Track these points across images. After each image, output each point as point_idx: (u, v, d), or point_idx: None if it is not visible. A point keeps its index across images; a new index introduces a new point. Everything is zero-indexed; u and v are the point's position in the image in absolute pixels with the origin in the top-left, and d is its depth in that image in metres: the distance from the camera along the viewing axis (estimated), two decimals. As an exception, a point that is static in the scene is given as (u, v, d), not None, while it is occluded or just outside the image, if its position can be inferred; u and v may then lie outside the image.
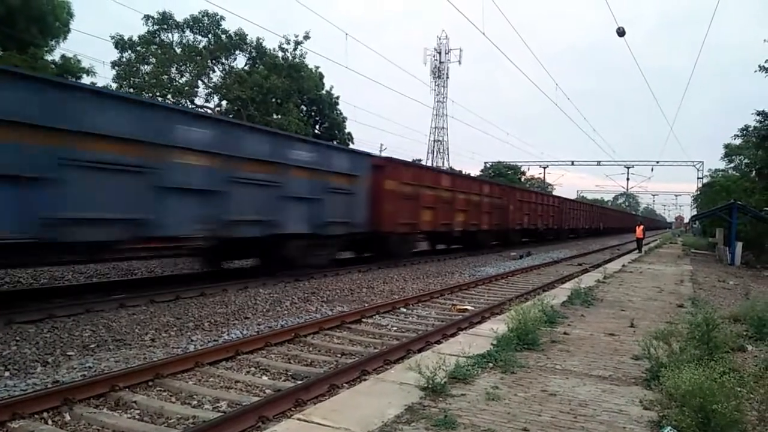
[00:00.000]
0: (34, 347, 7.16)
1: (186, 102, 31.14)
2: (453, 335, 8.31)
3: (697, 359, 5.14)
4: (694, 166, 63.80)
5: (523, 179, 70.74)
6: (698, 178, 60.71)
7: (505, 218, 29.42)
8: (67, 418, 5.08)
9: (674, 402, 4.19)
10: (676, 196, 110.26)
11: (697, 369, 4.19)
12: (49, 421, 4.99)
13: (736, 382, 4.10)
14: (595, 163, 68.54)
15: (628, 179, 72.61)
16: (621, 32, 19.37)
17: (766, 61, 23.96)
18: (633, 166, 69.36)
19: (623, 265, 19.76)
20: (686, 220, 79.16)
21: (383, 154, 32.18)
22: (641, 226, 32.10)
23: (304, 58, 34.24)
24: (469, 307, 11.38)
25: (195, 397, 5.78)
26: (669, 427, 4.05)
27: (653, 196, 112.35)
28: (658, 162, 66.27)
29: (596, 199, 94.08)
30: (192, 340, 8.00)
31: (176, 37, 32.51)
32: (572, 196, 76.95)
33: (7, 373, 6.22)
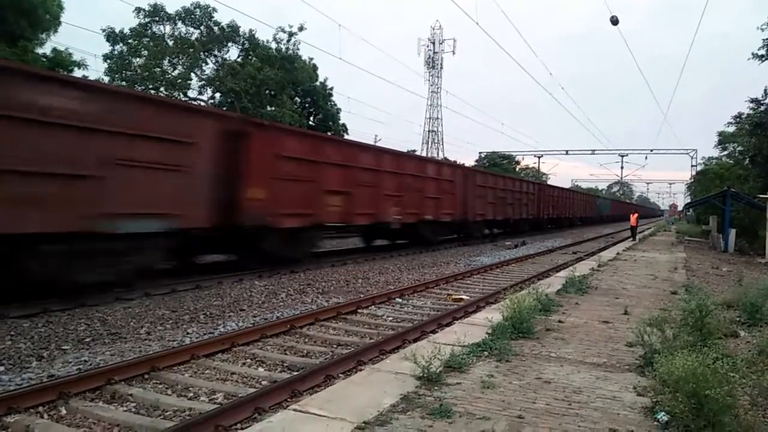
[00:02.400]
0: (29, 342, 7.15)
1: (179, 95, 30.96)
2: (448, 324, 8.33)
3: (690, 345, 5.18)
4: (687, 154, 64.14)
5: (518, 168, 70.83)
6: (692, 165, 60.96)
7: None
8: (63, 411, 5.08)
9: (668, 388, 4.21)
10: (670, 184, 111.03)
11: (691, 355, 4.22)
12: (45, 415, 4.99)
13: (729, 368, 4.12)
14: (590, 152, 68.97)
15: (622, 168, 72.99)
16: (614, 21, 19.38)
17: (759, 49, 24.00)
18: (627, 155, 69.73)
19: (617, 253, 19.84)
20: (680, 208, 79.40)
21: (379, 144, 30.08)
22: (636, 214, 32.27)
23: (298, 49, 34.11)
24: (464, 297, 11.41)
25: (191, 389, 5.78)
26: (662, 413, 4.08)
27: (647, 184, 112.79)
28: (652, 150, 66.69)
29: (590, 188, 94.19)
30: (188, 333, 7.99)
31: (168, 29, 32.30)
32: (567, 184, 77.04)
33: (1, 368, 6.20)
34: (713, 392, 3.70)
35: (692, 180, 53.78)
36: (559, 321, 7.58)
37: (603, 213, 65.21)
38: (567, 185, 73.79)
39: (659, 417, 4.07)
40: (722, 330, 6.65)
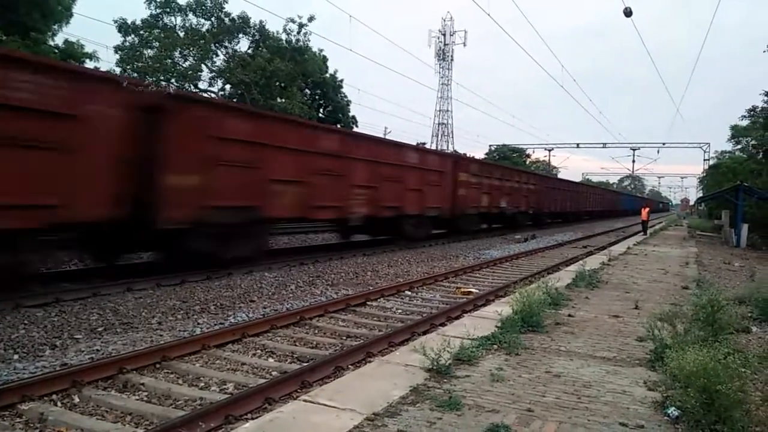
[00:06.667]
0: (43, 330, 7.23)
1: (190, 86, 31.01)
2: (457, 318, 8.33)
3: (701, 340, 5.15)
4: (700, 147, 63.22)
5: (528, 162, 70.47)
6: (704, 159, 60.23)
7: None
8: (76, 400, 5.14)
9: (678, 383, 4.20)
10: (682, 178, 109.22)
11: (702, 350, 4.19)
12: (59, 403, 5.05)
13: (741, 363, 4.10)
14: (601, 145, 67.99)
15: (633, 161, 72.16)
16: (628, 12, 19.14)
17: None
18: (639, 148, 68.90)
19: (628, 248, 19.70)
20: (692, 202, 78.64)
21: (388, 137, 29.89)
22: (647, 209, 32.06)
23: (308, 41, 34.03)
24: (473, 290, 11.40)
25: (202, 379, 5.83)
26: (673, 408, 4.07)
27: (659, 178, 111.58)
28: (664, 144, 65.82)
29: (601, 182, 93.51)
30: (198, 323, 8.06)
31: (179, 20, 32.31)
32: (577, 178, 76.48)
33: (16, 356, 6.28)
34: (724, 387, 3.69)
35: (704, 174, 53.26)
36: (569, 315, 7.55)
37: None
38: (578, 179, 73.24)
39: (670, 412, 4.06)
40: (734, 325, 6.59)
